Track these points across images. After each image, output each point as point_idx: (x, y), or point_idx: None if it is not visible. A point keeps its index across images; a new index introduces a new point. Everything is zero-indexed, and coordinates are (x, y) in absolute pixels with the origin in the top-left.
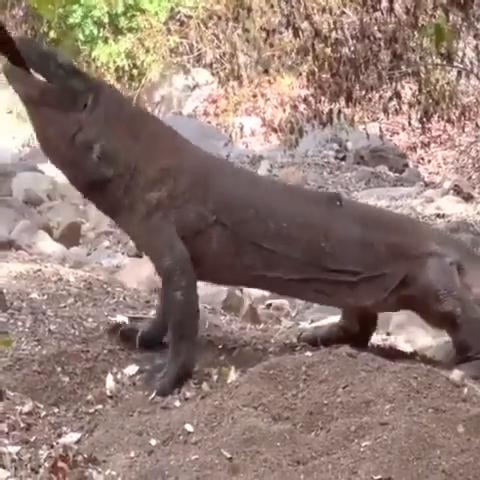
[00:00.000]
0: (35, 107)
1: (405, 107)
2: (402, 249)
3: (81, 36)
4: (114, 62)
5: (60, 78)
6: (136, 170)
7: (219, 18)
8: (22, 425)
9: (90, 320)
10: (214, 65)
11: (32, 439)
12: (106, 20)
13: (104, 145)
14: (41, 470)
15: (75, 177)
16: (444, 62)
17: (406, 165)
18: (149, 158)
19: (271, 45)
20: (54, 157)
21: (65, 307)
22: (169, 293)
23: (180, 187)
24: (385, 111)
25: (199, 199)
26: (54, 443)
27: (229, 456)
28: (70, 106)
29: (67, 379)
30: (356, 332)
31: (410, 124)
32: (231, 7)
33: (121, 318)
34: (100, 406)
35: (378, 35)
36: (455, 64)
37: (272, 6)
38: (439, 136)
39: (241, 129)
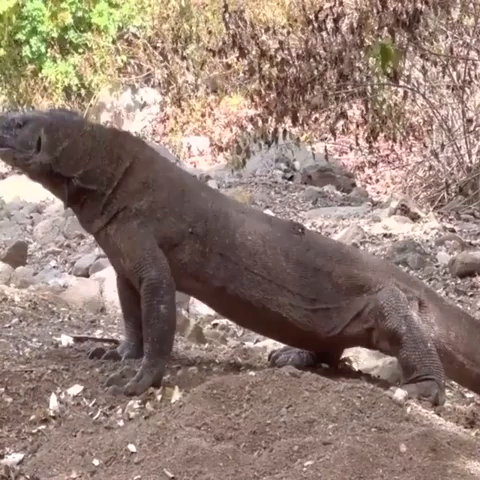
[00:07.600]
0: None
1: (353, 127)
2: (362, 283)
3: (29, 53)
4: (62, 82)
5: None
6: (117, 184)
7: (164, 38)
8: None
9: (34, 340)
10: (162, 85)
11: None
12: (55, 34)
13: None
14: None
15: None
16: (390, 82)
17: (353, 184)
18: (128, 173)
19: (218, 65)
20: None
21: (9, 327)
22: (152, 306)
23: (159, 199)
24: (332, 131)
25: (177, 212)
26: None
27: (172, 476)
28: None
29: (10, 399)
30: (324, 354)
31: (357, 144)
32: (175, 27)
33: (66, 338)
34: (43, 426)
35: (324, 55)
36: (401, 84)
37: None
38: (387, 156)
39: (189, 149)
